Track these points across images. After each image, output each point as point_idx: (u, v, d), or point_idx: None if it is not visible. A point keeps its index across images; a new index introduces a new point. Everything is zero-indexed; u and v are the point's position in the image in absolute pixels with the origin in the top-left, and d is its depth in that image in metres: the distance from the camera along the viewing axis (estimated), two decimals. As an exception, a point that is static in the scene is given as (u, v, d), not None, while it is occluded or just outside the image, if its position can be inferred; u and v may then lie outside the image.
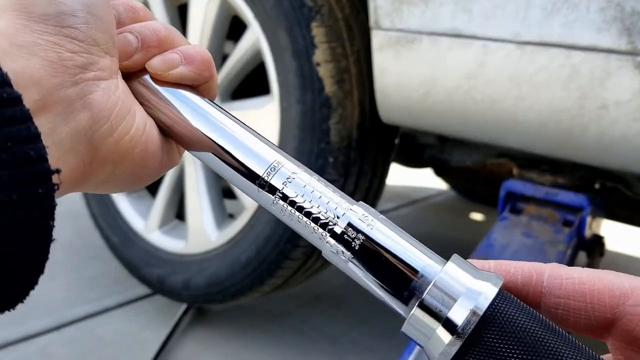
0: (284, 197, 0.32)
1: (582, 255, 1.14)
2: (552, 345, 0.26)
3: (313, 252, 1.27)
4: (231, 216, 1.46)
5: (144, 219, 1.52)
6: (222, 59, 1.38)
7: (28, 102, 0.25)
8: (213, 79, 0.36)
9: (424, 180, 2.90)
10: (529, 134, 1.00)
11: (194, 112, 0.34)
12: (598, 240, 1.21)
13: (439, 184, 2.80)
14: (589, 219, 1.10)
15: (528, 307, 0.28)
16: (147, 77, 0.34)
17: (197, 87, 0.36)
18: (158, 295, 1.55)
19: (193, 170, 1.40)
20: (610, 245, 1.88)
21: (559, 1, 0.89)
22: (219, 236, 1.36)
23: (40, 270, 0.26)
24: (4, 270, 0.24)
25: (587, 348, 0.27)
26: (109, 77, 0.30)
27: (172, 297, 1.46)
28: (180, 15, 1.44)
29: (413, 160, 1.67)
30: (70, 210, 2.07)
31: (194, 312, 1.53)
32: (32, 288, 0.26)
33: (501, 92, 0.99)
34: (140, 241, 1.51)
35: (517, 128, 1.00)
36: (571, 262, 1.06)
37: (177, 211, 1.55)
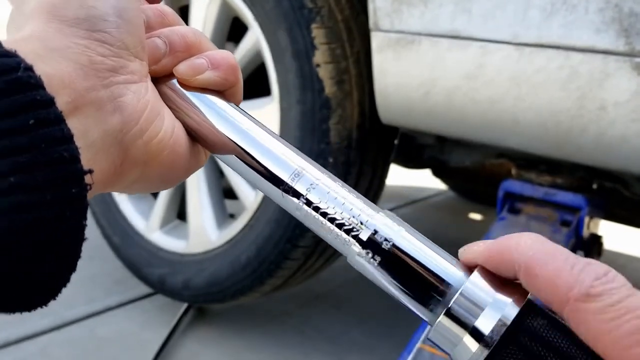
0: (308, 203, 0.32)
1: (580, 255, 1.14)
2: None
3: (313, 252, 1.27)
4: (232, 216, 1.46)
5: (145, 219, 1.53)
6: (222, 59, 1.38)
7: (60, 104, 0.26)
8: (239, 84, 0.37)
9: (423, 180, 2.90)
10: (528, 135, 1.01)
11: (220, 116, 0.35)
12: (596, 240, 1.21)
13: (438, 184, 2.80)
14: (586, 219, 1.11)
15: (555, 318, 0.27)
16: (174, 81, 0.35)
17: (223, 91, 0.36)
18: (158, 295, 1.56)
19: (193, 170, 1.41)
20: (608, 245, 1.88)
21: (558, 2, 0.90)
22: (219, 236, 1.37)
23: (72, 268, 0.26)
24: (39, 268, 0.24)
25: None
26: (139, 81, 0.31)
27: (173, 296, 1.46)
28: (181, 17, 1.44)
29: (412, 160, 1.67)
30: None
31: (194, 312, 1.53)
32: (64, 285, 0.26)
33: (500, 93, 0.99)
34: (142, 241, 1.51)
35: (517, 129, 1.01)
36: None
37: (178, 211, 1.55)
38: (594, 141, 0.94)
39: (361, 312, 1.61)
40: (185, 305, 1.50)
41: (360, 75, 1.19)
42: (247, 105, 1.32)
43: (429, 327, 0.30)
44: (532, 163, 1.20)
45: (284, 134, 1.20)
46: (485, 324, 0.27)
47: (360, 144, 1.21)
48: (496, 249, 0.28)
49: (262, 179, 0.34)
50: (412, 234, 0.31)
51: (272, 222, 1.23)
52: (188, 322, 1.50)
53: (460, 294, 0.28)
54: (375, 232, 0.30)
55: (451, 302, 0.28)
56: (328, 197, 0.32)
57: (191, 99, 0.35)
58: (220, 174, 1.43)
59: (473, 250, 0.30)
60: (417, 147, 1.46)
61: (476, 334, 0.27)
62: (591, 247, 1.18)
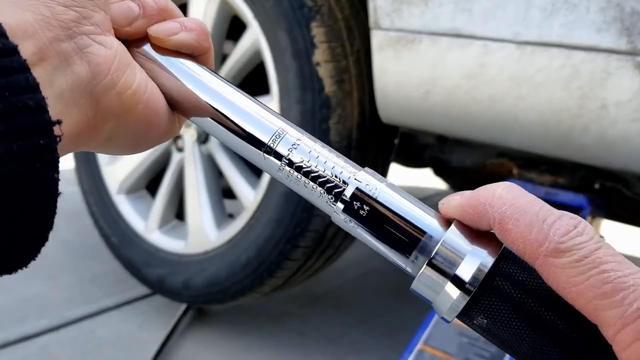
0: (290, 163, 0.32)
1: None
2: (549, 304, 0.28)
3: (313, 252, 1.27)
4: (231, 216, 1.46)
5: (143, 219, 1.52)
6: (221, 59, 1.38)
7: (25, 54, 0.25)
8: (210, 50, 0.37)
9: (423, 180, 2.90)
10: (529, 134, 1.00)
11: (196, 80, 0.35)
12: (598, 241, 1.21)
13: (439, 184, 2.80)
14: (588, 219, 1.10)
15: (529, 266, 0.29)
16: (147, 45, 0.35)
17: (196, 57, 0.36)
18: (158, 295, 1.55)
19: (193, 170, 1.40)
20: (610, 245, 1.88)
21: (559, 1, 0.89)
22: (218, 236, 1.36)
23: (49, 225, 0.26)
24: (13, 225, 0.23)
25: (580, 317, 0.28)
26: (103, 33, 0.31)
27: (172, 297, 1.46)
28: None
29: (413, 160, 1.67)
30: (70, 210, 2.07)
31: (193, 313, 1.53)
32: (43, 244, 0.26)
33: (501, 92, 0.99)
34: (140, 241, 1.50)
35: (518, 128, 1.00)
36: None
37: (177, 211, 1.55)
38: (596, 141, 0.93)
39: (361, 312, 1.61)
40: (184, 306, 1.49)
41: (360, 75, 1.19)
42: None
43: (414, 280, 0.31)
44: (533, 163, 1.19)
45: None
46: (466, 271, 0.29)
47: (360, 143, 1.20)
48: (471, 203, 0.29)
49: (243, 142, 0.34)
50: (393, 189, 0.32)
51: (272, 222, 1.22)
52: (187, 322, 1.50)
53: (441, 244, 0.29)
54: (358, 188, 0.31)
55: (432, 253, 0.29)
56: (310, 156, 0.32)
57: (165, 64, 0.35)
58: (219, 174, 1.43)
59: (450, 204, 0.31)
60: (417, 147, 1.45)
61: (457, 281, 0.29)
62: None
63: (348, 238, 1.34)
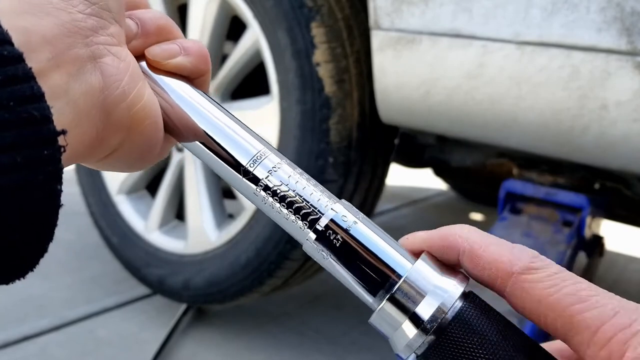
0: (266, 188, 0.32)
1: (582, 256, 1.14)
2: (507, 349, 0.28)
3: (313, 252, 1.27)
4: (231, 216, 1.46)
5: (143, 219, 1.52)
6: (221, 59, 1.38)
7: (41, 60, 0.25)
8: (208, 73, 0.37)
9: (423, 180, 2.90)
10: (529, 134, 1.00)
11: (187, 102, 0.34)
12: (598, 241, 1.21)
13: (439, 184, 2.80)
14: (588, 219, 1.10)
15: (491, 307, 0.30)
16: (143, 64, 0.35)
17: (193, 79, 0.36)
18: (158, 295, 1.55)
19: (193, 170, 1.40)
20: (610, 245, 1.88)
21: (559, 1, 0.89)
22: (218, 236, 1.36)
23: (49, 236, 0.25)
24: (13, 235, 0.23)
25: (537, 351, 0.29)
26: (119, 44, 0.31)
27: (172, 297, 1.46)
28: (180, 16, 1.44)
29: (413, 160, 1.67)
30: (70, 210, 2.06)
31: (193, 313, 1.53)
32: (42, 255, 0.25)
33: (501, 92, 0.99)
34: (140, 241, 1.50)
35: (518, 128, 1.00)
36: (571, 262, 1.06)
37: (177, 211, 1.55)
38: (596, 141, 0.93)
39: (361, 312, 1.61)
40: (184, 306, 1.49)
41: (360, 75, 1.19)
42: (247, 104, 1.31)
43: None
44: (533, 163, 1.19)
45: (284, 134, 1.20)
46: (425, 310, 0.29)
47: (360, 143, 1.20)
48: (440, 235, 0.31)
49: (223, 163, 0.34)
50: (366, 224, 0.32)
51: (271, 223, 1.22)
52: (187, 322, 1.50)
53: (404, 281, 0.29)
54: (333, 220, 0.31)
55: (394, 289, 0.29)
56: (287, 181, 0.32)
57: (160, 83, 0.34)
58: (220, 173, 1.43)
59: (416, 236, 0.32)
60: (417, 147, 1.45)
61: (415, 319, 0.29)
62: (593, 247, 1.18)
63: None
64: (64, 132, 0.24)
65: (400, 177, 2.73)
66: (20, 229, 0.23)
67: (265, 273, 1.27)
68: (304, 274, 1.35)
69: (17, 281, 0.25)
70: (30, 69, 0.24)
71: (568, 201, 1.11)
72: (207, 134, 0.34)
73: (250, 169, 0.33)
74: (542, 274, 0.28)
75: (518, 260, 0.28)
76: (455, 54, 1.01)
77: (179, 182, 1.48)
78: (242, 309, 1.58)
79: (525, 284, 0.28)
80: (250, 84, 1.42)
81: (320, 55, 1.14)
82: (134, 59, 0.32)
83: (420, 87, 1.07)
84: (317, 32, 1.14)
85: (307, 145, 1.16)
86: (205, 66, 0.36)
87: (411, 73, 1.07)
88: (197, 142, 0.34)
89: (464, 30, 0.99)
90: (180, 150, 1.45)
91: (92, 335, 1.40)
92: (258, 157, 0.33)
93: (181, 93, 0.34)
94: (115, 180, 1.55)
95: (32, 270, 0.25)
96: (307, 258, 1.28)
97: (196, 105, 0.34)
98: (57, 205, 0.25)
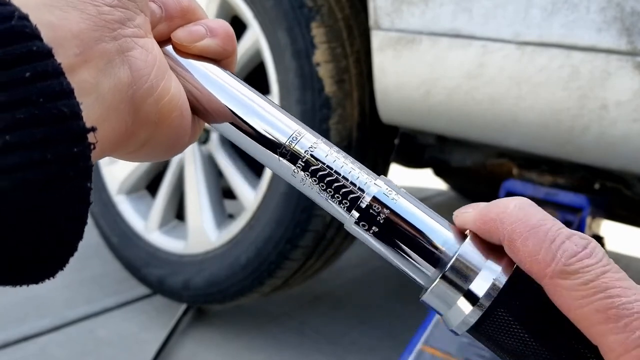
0: (305, 168, 0.32)
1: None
2: (558, 326, 0.28)
3: (313, 252, 1.27)
4: (231, 216, 1.46)
5: (143, 219, 1.52)
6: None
7: (69, 56, 0.25)
8: (235, 53, 0.36)
9: (423, 180, 2.90)
10: (529, 134, 1.00)
11: (218, 84, 0.34)
12: (598, 241, 1.20)
13: (439, 184, 2.79)
14: (588, 219, 1.10)
15: (536, 283, 0.29)
16: (169, 47, 0.34)
17: (220, 61, 0.35)
18: (158, 295, 1.55)
19: (193, 170, 1.40)
20: (611, 245, 1.88)
21: (559, 1, 0.89)
22: (218, 236, 1.36)
23: (79, 234, 0.25)
24: (43, 233, 0.23)
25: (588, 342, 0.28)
26: (145, 36, 0.30)
27: (172, 297, 1.46)
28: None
29: (413, 160, 1.67)
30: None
31: (193, 313, 1.53)
32: (72, 254, 0.25)
33: (501, 92, 0.99)
34: (140, 241, 1.50)
35: (518, 128, 1.00)
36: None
37: (177, 211, 1.55)
38: (596, 141, 0.93)
39: (361, 312, 1.61)
40: (184, 306, 1.49)
41: (360, 75, 1.19)
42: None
43: (423, 290, 0.31)
44: (533, 163, 1.19)
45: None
46: (480, 287, 0.29)
47: (360, 143, 1.20)
48: (483, 218, 0.29)
49: (258, 145, 0.33)
50: (409, 199, 0.31)
51: (272, 223, 1.22)
52: (187, 322, 1.50)
53: (456, 258, 0.29)
54: (375, 197, 0.30)
55: (447, 267, 0.29)
56: (326, 160, 0.32)
57: (187, 67, 0.34)
58: (219, 174, 1.43)
59: (463, 216, 0.31)
60: (417, 147, 1.45)
61: (470, 296, 0.29)
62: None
63: (348, 238, 1.34)
64: (93, 129, 0.24)
65: (400, 177, 2.73)
66: (50, 225, 0.23)
67: (265, 273, 1.27)
68: (304, 274, 1.35)
69: (47, 280, 0.25)
70: (60, 64, 0.23)
71: (568, 201, 1.11)
72: (239, 116, 0.33)
73: (288, 150, 0.32)
74: (575, 281, 0.26)
75: (553, 260, 0.27)
76: (455, 54, 1.01)
77: (179, 182, 1.48)
78: (242, 309, 1.57)
79: (557, 289, 0.27)
80: (250, 83, 1.42)
81: (320, 55, 1.14)
82: (160, 50, 0.31)
83: (420, 87, 1.07)
84: (317, 32, 1.14)
85: (307, 145, 1.16)
86: (232, 47, 0.35)
87: (411, 73, 1.07)
88: (229, 124, 0.34)
89: (464, 30, 0.99)
90: (180, 150, 1.45)
91: (92, 335, 1.40)
92: (294, 137, 0.32)
93: (210, 75, 0.34)
94: (115, 180, 1.55)
95: (62, 269, 0.25)
96: (307, 258, 1.28)
97: (226, 86, 0.34)
98: (87, 202, 0.24)
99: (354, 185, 0.31)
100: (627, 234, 2.18)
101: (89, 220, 1.64)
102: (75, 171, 0.23)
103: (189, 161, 1.41)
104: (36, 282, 0.25)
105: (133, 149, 0.31)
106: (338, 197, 0.31)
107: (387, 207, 0.30)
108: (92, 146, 0.24)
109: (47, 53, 0.23)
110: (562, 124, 0.95)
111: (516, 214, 0.28)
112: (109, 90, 0.27)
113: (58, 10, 0.25)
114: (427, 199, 2.77)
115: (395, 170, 1.92)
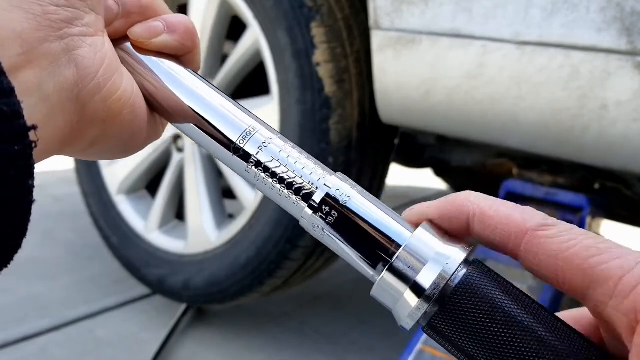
0: (258, 163, 0.31)
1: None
2: (521, 316, 0.27)
3: (313, 252, 1.27)
4: (231, 216, 1.46)
5: (143, 219, 1.52)
6: (221, 59, 1.38)
7: (12, 56, 0.25)
8: (196, 49, 0.36)
9: (423, 180, 2.90)
10: (529, 134, 1.00)
11: (174, 80, 0.33)
12: (598, 241, 1.20)
13: (439, 184, 2.79)
14: (588, 219, 1.10)
15: (497, 274, 0.28)
16: (128, 44, 0.34)
17: (180, 57, 0.35)
18: (158, 295, 1.55)
19: (193, 170, 1.40)
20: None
21: (559, 1, 0.89)
22: (218, 236, 1.36)
23: (22, 232, 0.25)
24: None
25: (553, 320, 0.27)
26: (95, 34, 0.30)
27: (172, 297, 1.46)
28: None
29: (413, 160, 1.67)
30: (70, 210, 2.07)
31: (193, 313, 1.53)
32: (16, 251, 0.25)
33: (501, 92, 0.99)
34: (140, 241, 1.50)
35: (518, 128, 1.00)
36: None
37: (177, 211, 1.55)
38: (596, 141, 0.93)
39: (361, 312, 1.61)
40: (184, 306, 1.49)
41: (360, 75, 1.19)
42: (247, 104, 1.31)
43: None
44: (533, 163, 1.19)
45: (284, 134, 1.19)
46: (426, 278, 0.27)
47: (360, 143, 1.20)
48: (449, 201, 0.30)
49: (213, 141, 0.33)
50: (364, 196, 0.31)
51: (271, 222, 1.22)
52: (187, 322, 1.50)
53: (404, 249, 0.28)
54: (328, 194, 0.30)
55: (393, 258, 0.28)
56: (279, 156, 0.31)
57: (146, 63, 0.34)
58: (219, 174, 1.43)
59: (422, 206, 0.31)
60: (417, 147, 1.45)
61: (417, 288, 0.28)
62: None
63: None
64: (34, 127, 0.24)
65: (400, 177, 2.73)
66: None
67: (265, 273, 1.27)
68: (304, 274, 1.35)
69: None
70: (0, 64, 0.23)
71: (568, 201, 1.11)
72: (195, 112, 0.33)
73: (240, 145, 0.32)
74: (557, 229, 0.27)
75: (531, 218, 0.27)
76: (455, 54, 1.01)
77: (179, 182, 1.48)
78: (242, 309, 1.57)
79: (541, 240, 0.27)
80: (250, 83, 1.42)
81: (320, 55, 1.14)
82: (112, 47, 0.31)
83: (420, 87, 1.07)
84: (317, 32, 1.14)
85: (307, 146, 1.16)
86: (192, 42, 0.35)
87: (411, 73, 1.07)
88: (185, 122, 0.33)
89: (464, 30, 0.99)
90: (180, 150, 1.45)
91: (92, 335, 1.40)
92: (248, 133, 0.32)
93: (167, 72, 0.33)
94: (115, 180, 1.55)
95: (6, 267, 0.25)
96: (307, 258, 1.28)
97: (182, 83, 0.33)
98: (30, 200, 0.24)
99: (307, 181, 0.31)
100: (627, 234, 2.18)
101: (89, 220, 1.64)
102: (15, 169, 0.23)
103: (189, 161, 1.41)
104: None
105: (82, 147, 0.31)
106: (290, 194, 0.31)
107: (339, 204, 0.30)
108: (33, 144, 0.24)
109: None
110: (562, 124, 0.95)
111: (481, 196, 0.29)
112: (54, 89, 0.27)
113: (2, 11, 0.25)
114: (427, 199, 2.77)
115: (395, 170, 1.92)
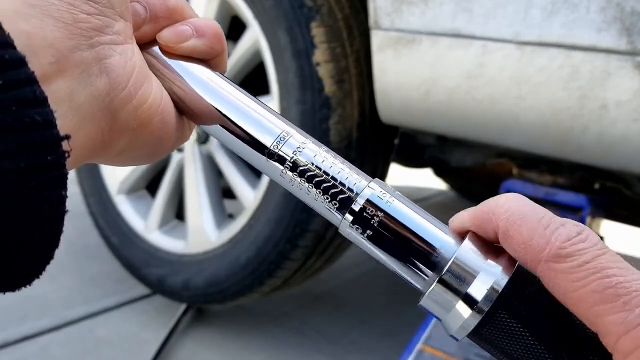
0: (294, 168, 0.31)
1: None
2: (559, 330, 0.27)
3: (313, 252, 1.27)
4: (231, 216, 1.46)
5: (143, 219, 1.52)
6: (221, 59, 1.38)
7: (43, 65, 0.24)
8: (224, 52, 0.35)
9: (423, 180, 2.90)
10: (529, 134, 1.00)
11: (205, 85, 0.33)
12: (598, 241, 1.20)
13: (439, 184, 2.79)
14: (588, 219, 1.10)
15: (542, 285, 0.28)
16: (156, 48, 0.34)
17: (208, 60, 0.35)
18: (157, 295, 1.55)
19: (193, 170, 1.40)
20: (610, 245, 1.87)
21: (559, 1, 0.89)
22: (218, 236, 1.36)
23: (55, 243, 0.24)
24: (18, 242, 0.22)
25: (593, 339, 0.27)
26: (125, 42, 0.30)
27: (172, 297, 1.46)
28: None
29: (413, 160, 1.67)
30: (70, 210, 2.06)
31: (193, 313, 1.53)
32: (48, 262, 0.25)
33: (501, 92, 0.99)
34: (140, 241, 1.50)
35: (517, 128, 1.00)
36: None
37: (177, 211, 1.55)
38: (596, 141, 0.93)
39: (361, 312, 1.61)
40: (184, 306, 1.49)
41: (360, 74, 1.19)
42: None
43: (421, 294, 0.30)
44: (533, 163, 1.19)
45: (284, 134, 1.19)
46: (478, 290, 0.28)
47: (360, 143, 1.20)
48: (476, 214, 0.29)
49: (246, 145, 0.32)
50: (404, 202, 0.30)
51: (271, 222, 1.22)
52: (187, 322, 1.50)
53: (453, 261, 0.28)
54: (369, 200, 0.30)
55: (444, 270, 0.28)
56: (315, 160, 0.31)
57: (174, 68, 0.33)
58: (219, 174, 1.43)
59: (457, 217, 0.30)
60: (417, 147, 1.45)
61: (469, 300, 0.28)
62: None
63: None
64: (67, 137, 0.24)
65: (400, 177, 2.73)
66: (24, 235, 0.23)
67: (265, 273, 1.27)
68: (304, 274, 1.35)
69: (23, 288, 0.25)
70: (33, 72, 0.23)
71: (568, 201, 1.11)
72: (226, 116, 0.33)
73: (275, 150, 0.31)
74: (570, 263, 0.25)
75: (547, 245, 0.26)
76: (455, 54, 1.01)
77: (178, 182, 1.48)
78: (242, 309, 1.57)
79: (551, 273, 0.26)
80: (250, 83, 1.42)
81: (320, 55, 1.14)
82: (141, 55, 0.31)
83: (420, 87, 1.07)
84: (317, 32, 1.14)
85: (307, 145, 1.16)
86: (220, 46, 0.35)
87: (411, 73, 1.07)
88: (217, 125, 0.33)
89: (464, 30, 0.99)
90: (180, 150, 1.45)
91: (92, 335, 1.40)
92: (282, 137, 0.32)
93: (197, 76, 0.33)
94: (115, 180, 1.55)
95: (38, 277, 0.25)
96: (307, 258, 1.28)
97: (213, 87, 0.33)
98: (63, 211, 0.24)
99: (343, 185, 0.30)
100: (627, 234, 2.18)
101: (89, 220, 1.64)
102: (49, 180, 0.23)
103: (189, 161, 1.41)
104: (12, 290, 0.24)
105: (112, 155, 0.31)
106: (327, 198, 0.31)
107: (382, 210, 0.30)
108: (66, 154, 0.24)
109: (20, 61, 0.23)
110: (562, 124, 0.95)
111: (508, 205, 0.28)
112: (85, 98, 0.27)
113: (33, 19, 0.25)
114: (427, 199, 2.77)
115: (395, 170, 1.92)
